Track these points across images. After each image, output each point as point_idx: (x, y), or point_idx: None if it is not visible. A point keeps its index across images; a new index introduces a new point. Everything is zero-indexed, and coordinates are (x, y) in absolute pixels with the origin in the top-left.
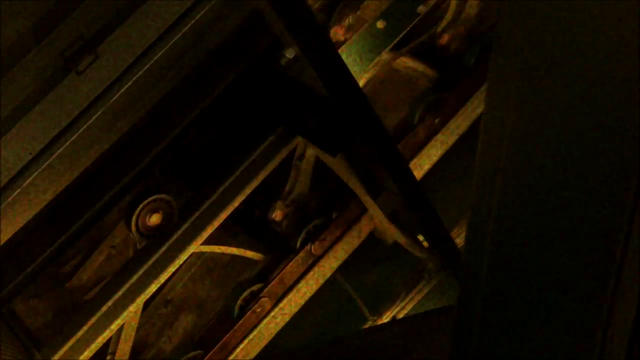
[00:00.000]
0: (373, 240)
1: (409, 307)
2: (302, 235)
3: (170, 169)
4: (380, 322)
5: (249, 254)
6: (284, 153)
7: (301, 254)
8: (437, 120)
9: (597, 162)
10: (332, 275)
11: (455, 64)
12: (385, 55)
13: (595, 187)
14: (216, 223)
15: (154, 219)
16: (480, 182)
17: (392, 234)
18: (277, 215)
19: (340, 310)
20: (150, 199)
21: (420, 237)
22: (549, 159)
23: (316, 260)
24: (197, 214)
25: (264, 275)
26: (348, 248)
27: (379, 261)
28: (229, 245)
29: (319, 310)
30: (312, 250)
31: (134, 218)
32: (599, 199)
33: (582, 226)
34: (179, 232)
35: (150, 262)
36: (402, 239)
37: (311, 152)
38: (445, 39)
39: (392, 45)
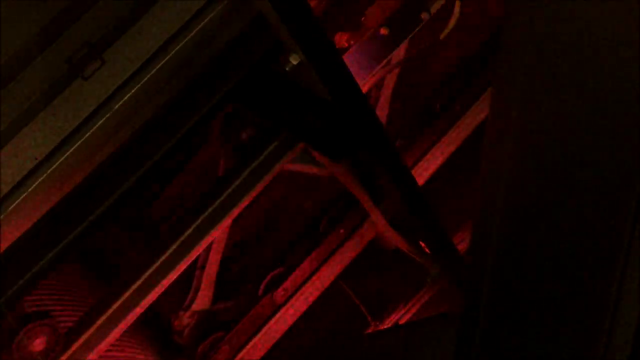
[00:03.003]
0: (375, 246)
1: (411, 313)
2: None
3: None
4: (382, 327)
5: None
6: (287, 159)
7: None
8: (428, 138)
9: (600, 166)
10: (334, 281)
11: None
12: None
13: (598, 190)
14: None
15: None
16: (484, 188)
17: (394, 240)
18: (179, 324)
19: (342, 315)
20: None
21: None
22: (553, 164)
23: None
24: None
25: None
26: (350, 254)
27: (381, 267)
28: None
29: (322, 315)
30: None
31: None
32: (603, 202)
33: (586, 229)
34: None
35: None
36: (404, 245)
37: (213, 261)
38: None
39: (393, 53)
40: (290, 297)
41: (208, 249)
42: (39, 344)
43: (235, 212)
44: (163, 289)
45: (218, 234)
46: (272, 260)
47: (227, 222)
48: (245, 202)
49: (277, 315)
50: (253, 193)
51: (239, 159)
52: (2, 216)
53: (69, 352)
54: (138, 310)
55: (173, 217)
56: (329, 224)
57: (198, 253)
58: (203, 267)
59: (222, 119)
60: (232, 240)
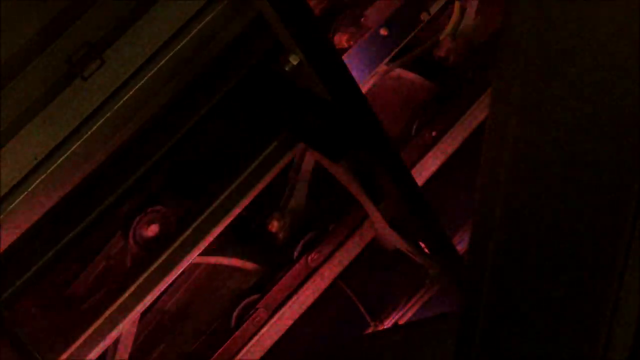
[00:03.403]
0: (374, 246)
1: (410, 313)
2: (300, 246)
3: (168, 180)
4: (382, 328)
5: (246, 265)
6: (286, 159)
7: (297, 266)
8: (434, 133)
9: (600, 165)
10: (333, 282)
11: (453, 76)
12: (383, 67)
13: (598, 190)
14: (216, 232)
15: (151, 231)
16: (483, 188)
17: (394, 240)
18: (274, 226)
19: (341, 316)
20: (148, 209)
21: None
22: (553, 165)
23: (312, 271)
24: (195, 224)
25: (261, 286)
26: (349, 254)
27: (380, 267)
28: (227, 256)
29: (321, 316)
30: (309, 261)
31: (131, 230)
32: (603, 202)
33: (586, 229)
34: (177, 243)
35: (147, 273)
36: (403, 246)
37: (308, 163)
38: (443, 51)
39: (393, 53)
40: (270, 318)
41: (303, 151)
42: (153, 229)
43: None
44: (260, 189)
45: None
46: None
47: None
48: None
49: (253, 341)
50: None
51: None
52: (1, 216)
53: (180, 239)
54: (236, 211)
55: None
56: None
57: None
58: (298, 169)
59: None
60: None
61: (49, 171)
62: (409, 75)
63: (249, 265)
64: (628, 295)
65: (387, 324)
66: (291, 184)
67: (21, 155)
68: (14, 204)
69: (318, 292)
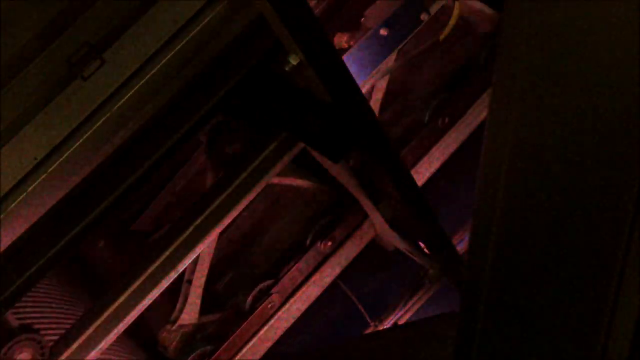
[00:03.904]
0: (374, 246)
1: (410, 313)
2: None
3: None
4: (381, 327)
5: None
6: (286, 159)
7: (311, 251)
8: (446, 120)
9: (600, 166)
10: (333, 281)
11: (464, 63)
12: (391, 62)
13: (598, 190)
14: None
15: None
16: (482, 188)
17: (394, 240)
18: (164, 340)
19: (341, 315)
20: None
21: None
22: (552, 164)
23: (325, 258)
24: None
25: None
26: (349, 254)
27: (380, 267)
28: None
29: (321, 315)
30: (322, 247)
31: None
32: (602, 201)
33: (585, 229)
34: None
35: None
36: (403, 245)
37: (201, 275)
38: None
39: (392, 54)
40: (282, 305)
41: (195, 262)
42: (24, 358)
43: (222, 225)
44: (149, 302)
45: (205, 247)
46: (262, 271)
47: (214, 235)
48: (232, 215)
49: (266, 327)
50: (239, 207)
51: (225, 172)
52: (1, 216)
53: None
54: (124, 324)
55: (160, 231)
56: (324, 228)
57: (185, 266)
58: (190, 281)
59: (208, 132)
60: (218, 253)
61: (48, 171)
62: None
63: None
64: (627, 295)
65: (387, 323)
66: (183, 296)
67: (21, 155)
68: (13, 204)
69: (322, 286)
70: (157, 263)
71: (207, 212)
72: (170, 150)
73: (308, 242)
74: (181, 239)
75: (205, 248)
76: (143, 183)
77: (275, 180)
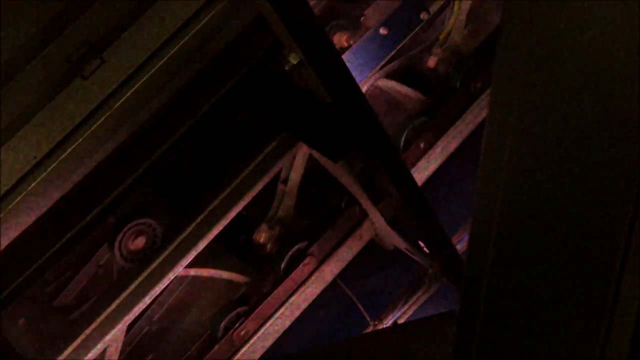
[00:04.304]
0: (374, 246)
1: (410, 312)
2: (287, 258)
3: (157, 188)
4: (381, 327)
5: (234, 276)
6: (286, 158)
7: (291, 273)
8: (422, 145)
9: (599, 165)
10: (333, 280)
11: (441, 87)
12: (371, 79)
13: (597, 190)
14: (203, 244)
15: (137, 244)
16: (482, 187)
17: (393, 239)
18: (261, 237)
19: (341, 314)
20: (133, 222)
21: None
22: (552, 164)
23: (307, 278)
24: (183, 235)
25: (249, 297)
26: (349, 254)
27: (380, 266)
28: (214, 267)
29: (320, 314)
30: (301, 269)
31: (117, 242)
32: (602, 201)
33: (584, 229)
34: (166, 253)
35: (134, 285)
36: (402, 245)
37: (296, 174)
38: (432, 61)
39: (392, 53)
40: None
41: (291, 162)
42: (139, 242)
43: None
44: (248, 200)
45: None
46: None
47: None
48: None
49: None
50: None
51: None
52: (1, 215)
53: (166, 252)
54: (226, 219)
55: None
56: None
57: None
58: (286, 181)
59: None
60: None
61: (48, 170)
62: (398, 86)
63: (237, 276)
64: (627, 295)
65: (387, 323)
66: (279, 196)
67: (21, 154)
68: (13, 203)
69: (322, 285)
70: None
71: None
72: (170, 149)
73: (282, 267)
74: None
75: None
76: (141, 182)
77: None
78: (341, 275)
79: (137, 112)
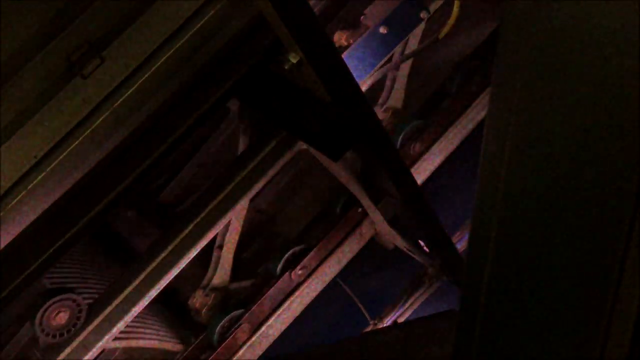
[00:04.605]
0: (374, 245)
1: (410, 311)
2: (283, 261)
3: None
4: (381, 326)
5: (167, 345)
6: (286, 157)
7: (283, 280)
8: (417, 147)
9: (599, 164)
10: (333, 280)
11: (437, 91)
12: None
13: (597, 189)
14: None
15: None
16: (482, 186)
17: (393, 238)
18: (197, 303)
19: (341, 314)
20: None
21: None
22: (551, 164)
23: (302, 282)
24: (110, 307)
25: (245, 301)
26: (349, 253)
27: (380, 266)
28: (146, 338)
29: (320, 314)
30: (293, 276)
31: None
32: (601, 201)
33: (584, 228)
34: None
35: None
36: (402, 244)
37: (232, 240)
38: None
39: (392, 52)
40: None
41: (226, 228)
42: (61, 318)
43: (254, 191)
44: (182, 267)
45: (236, 213)
46: (292, 238)
47: (245, 200)
48: (263, 181)
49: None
50: (270, 172)
51: (257, 137)
52: (1, 214)
53: (91, 327)
54: (157, 289)
55: (188, 202)
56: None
57: (216, 233)
58: (221, 246)
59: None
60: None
61: (48, 169)
62: None
63: (170, 345)
64: (627, 294)
65: (387, 322)
66: (214, 262)
67: (20, 153)
68: (13, 202)
69: (322, 285)
70: (188, 229)
71: (238, 178)
72: (169, 148)
73: (338, 210)
74: (211, 205)
75: (236, 214)
76: (141, 180)
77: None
78: (341, 275)
79: (137, 112)
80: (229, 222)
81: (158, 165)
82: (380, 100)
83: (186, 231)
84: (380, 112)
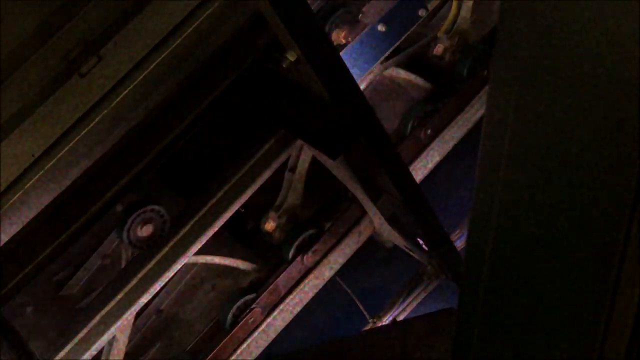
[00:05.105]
0: (373, 243)
1: (408, 310)
2: (295, 246)
3: (163, 178)
4: (380, 324)
5: (242, 264)
6: (284, 156)
7: (293, 265)
8: (428, 132)
9: (599, 163)
10: (332, 278)
11: (448, 75)
12: (378, 66)
13: (595, 188)
14: (211, 231)
15: (146, 230)
16: (480, 185)
17: (392, 237)
18: (269, 226)
19: (340, 312)
20: (141, 210)
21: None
22: (549, 161)
23: (308, 271)
24: (190, 223)
25: (257, 285)
26: (348, 251)
27: (378, 264)
28: (222, 255)
29: (320, 312)
30: (305, 261)
31: (125, 229)
32: (600, 200)
33: (583, 227)
34: (173, 241)
35: (142, 273)
36: (401, 242)
37: (304, 163)
38: (439, 49)
39: (391, 50)
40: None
41: (299, 150)
42: (147, 230)
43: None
44: (256, 189)
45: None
46: None
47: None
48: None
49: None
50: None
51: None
52: (0, 211)
53: (175, 239)
54: (234, 207)
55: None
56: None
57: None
58: (293, 169)
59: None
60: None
61: (47, 167)
62: (404, 74)
63: (244, 264)
64: (625, 294)
65: (386, 320)
66: (287, 184)
67: (19, 152)
68: (12, 201)
69: (320, 283)
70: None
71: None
72: (168, 146)
73: (290, 256)
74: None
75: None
76: (140, 178)
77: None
78: (340, 273)
79: (135, 110)
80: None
81: (162, 159)
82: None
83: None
84: (445, 39)
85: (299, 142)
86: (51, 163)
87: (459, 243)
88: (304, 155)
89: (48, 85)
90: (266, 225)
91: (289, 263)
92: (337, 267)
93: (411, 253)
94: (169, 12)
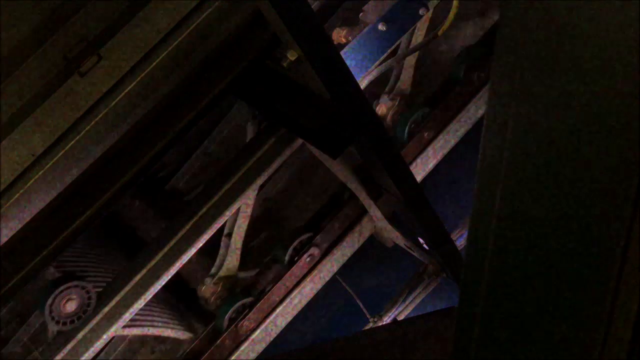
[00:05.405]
0: (373, 242)
1: (409, 309)
2: (291, 249)
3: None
4: (380, 323)
5: (176, 333)
6: (285, 155)
7: (293, 269)
8: (426, 135)
9: (599, 162)
10: (332, 277)
11: (443, 78)
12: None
13: (597, 187)
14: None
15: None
16: (481, 183)
17: (393, 236)
18: (205, 292)
19: (341, 311)
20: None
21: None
22: (552, 159)
23: (309, 270)
24: (120, 294)
25: (253, 289)
26: (348, 250)
27: (379, 263)
28: (154, 326)
29: (320, 311)
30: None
31: (47, 305)
32: (601, 197)
33: (584, 225)
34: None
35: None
36: (402, 241)
37: (239, 228)
38: (382, 109)
39: (392, 49)
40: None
41: (235, 216)
42: (71, 306)
43: (263, 177)
44: (190, 255)
45: (244, 200)
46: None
47: (254, 187)
48: (272, 167)
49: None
50: (280, 159)
51: (265, 125)
52: (1, 210)
53: (101, 314)
54: (166, 276)
55: (196, 189)
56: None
57: (225, 220)
58: (230, 235)
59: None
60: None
61: (46, 167)
62: None
63: (179, 333)
64: (626, 294)
65: (386, 319)
66: (223, 250)
67: (19, 151)
68: (12, 201)
69: (321, 283)
70: (197, 217)
71: (247, 166)
72: (167, 146)
73: (346, 196)
74: (220, 193)
75: (245, 201)
76: (139, 178)
77: None
78: (340, 272)
79: (135, 109)
80: (238, 209)
81: (161, 158)
82: (387, 88)
83: (195, 219)
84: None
85: (234, 206)
86: (51, 163)
87: (460, 242)
88: (241, 221)
89: (48, 84)
90: (202, 291)
91: (289, 264)
92: (337, 266)
93: (412, 252)
94: (169, 11)
